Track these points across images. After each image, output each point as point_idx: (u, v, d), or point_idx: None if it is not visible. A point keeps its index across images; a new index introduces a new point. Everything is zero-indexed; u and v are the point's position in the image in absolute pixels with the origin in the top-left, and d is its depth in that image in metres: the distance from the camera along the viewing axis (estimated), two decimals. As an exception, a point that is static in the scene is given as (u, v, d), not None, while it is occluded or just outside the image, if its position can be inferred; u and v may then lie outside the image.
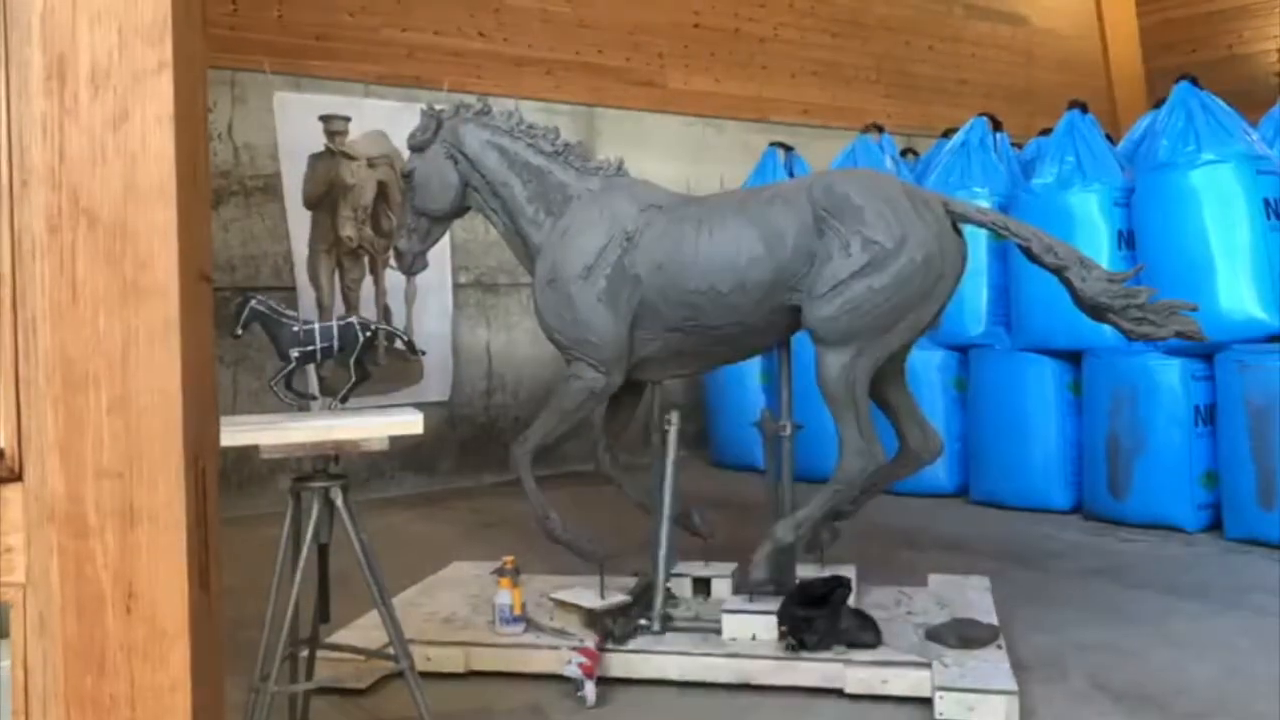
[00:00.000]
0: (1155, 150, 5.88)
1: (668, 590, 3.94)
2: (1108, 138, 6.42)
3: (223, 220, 6.72)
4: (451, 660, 3.70)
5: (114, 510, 1.13)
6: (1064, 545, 5.47)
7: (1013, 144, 7.07)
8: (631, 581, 4.15)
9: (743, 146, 8.77)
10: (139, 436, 1.13)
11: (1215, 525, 5.57)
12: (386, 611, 2.90)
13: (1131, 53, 11.76)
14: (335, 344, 3.21)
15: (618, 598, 3.89)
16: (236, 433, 2.71)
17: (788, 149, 7.78)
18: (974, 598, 4.20)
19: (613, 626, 3.72)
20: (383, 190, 6.91)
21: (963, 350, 6.66)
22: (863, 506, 4.15)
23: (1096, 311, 3.68)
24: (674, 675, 3.61)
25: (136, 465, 1.13)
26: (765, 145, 7.92)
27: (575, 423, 4.10)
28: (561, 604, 3.95)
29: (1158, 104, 6.25)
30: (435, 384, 7.20)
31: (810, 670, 3.53)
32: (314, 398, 4.94)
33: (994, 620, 3.88)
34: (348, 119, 6.81)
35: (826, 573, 4.03)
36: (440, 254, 6.47)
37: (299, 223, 6.68)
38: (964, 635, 3.67)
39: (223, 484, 1.29)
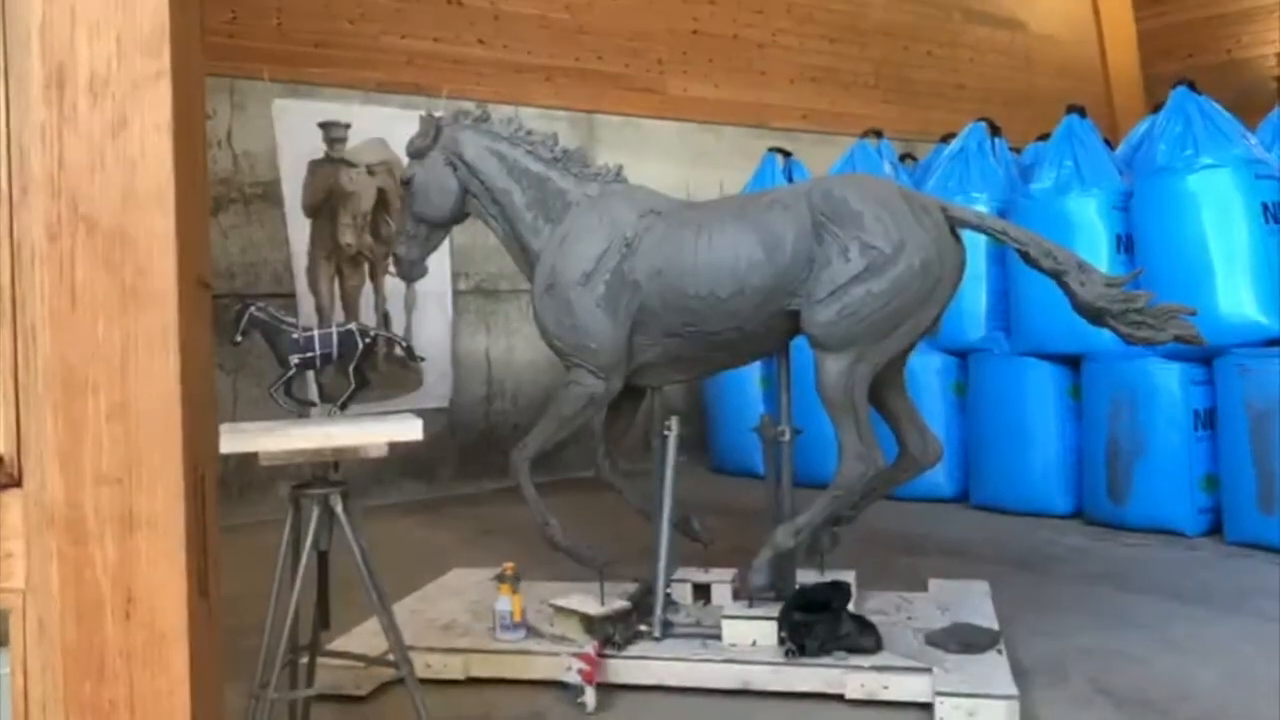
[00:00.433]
0: (1153, 155, 5.89)
1: (668, 596, 3.94)
2: (1106, 142, 6.43)
3: (222, 227, 6.73)
4: (451, 667, 3.70)
5: (113, 516, 1.13)
6: (1064, 550, 5.47)
7: (1011, 149, 7.08)
8: (631, 587, 4.15)
9: (741, 152, 8.78)
10: (138, 443, 1.14)
11: (1216, 529, 5.57)
12: (386, 618, 2.89)
13: (1130, 57, 11.77)
14: (335, 351, 3.21)
15: (618, 604, 3.89)
16: (236, 439, 2.71)
17: (786, 154, 7.79)
18: (974, 603, 4.20)
19: (613, 633, 3.72)
20: (382, 197, 6.91)
21: (962, 355, 6.66)
22: (863, 512, 4.14)
23: (1095, 316, 3.69)
24: (674, 681, 3.60)
25: (136, 471, 1.14)
26: (764, 151, 7.93)
27: (575, 429, 4.10)
28: (561, 610, 3.95)
29: (1156, 109, 6.26)
30: (435, 390, 7.19)
31: (810, 676, 3.53)
32: (314, 404, 4.94)
33: (994, 625, 3.88)
34: (347, 126, 6.81)
35: (827, 578, 4.03)
36: (440, 260, 6.46)
37: (298, 230, 6.68)
38: (964, 640, 3.66)
39: (222, 490, 1.30)
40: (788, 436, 4.05)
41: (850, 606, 3.76)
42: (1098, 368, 5.91)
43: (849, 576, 4.12)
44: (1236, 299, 5.44)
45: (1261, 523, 5.26)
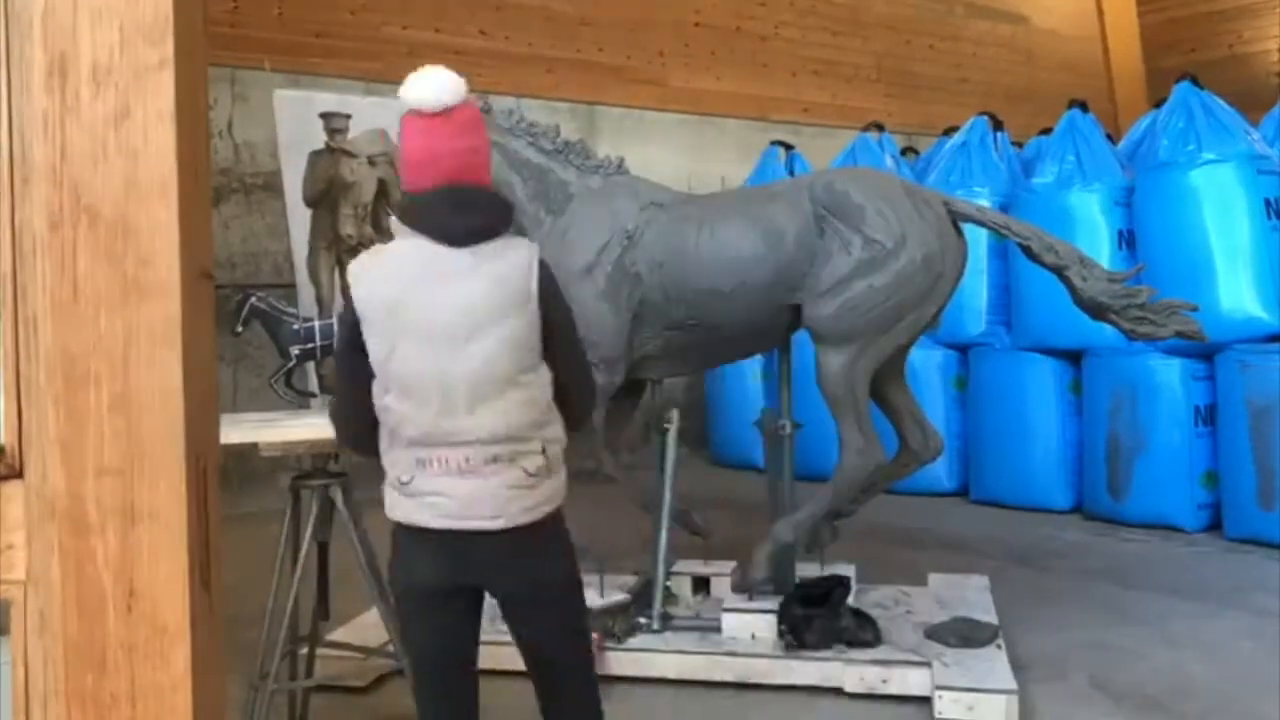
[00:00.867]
0: (1156, 150, 5.88)
1: (667, 589, 3.94)
2: (1108, 137, 6.42)
3: (223, 218, 6.72)
4: (451, 658, 3.70)
5: (115, 508, 1.13)
6: (1064, 545, 5.47)
7: (1013, 143, 7.06)
8: (631, 580, 4.15)
9: (743, 145, 8.76)
10: (140, 434, 1.13)
11: (1215, 525, 5.57)
12: (386, 609, 2.89)
13: (1132, 52, 11.75)
14: (335, 341, 3.20)
15: (617, 596, 3.89)
16: (237, 430, 2.71)
17: (788, 148, 7.78)
18: (974, 597, 4.20)
19: (612, 625, 3.72)
20: (383, 188, 6.86)
21: (963, 349, 6.66)
22: (863, 506, 4.14)
23: (1097, 311, 3.68)
24: (673, 674, 3.61)
25: (137, 463, 1.13)
26: (766, 144, 7.91)
27: (575, 421, 4.09)
28: (561, 602, 3.94)
29: (1158, 104, 6.25)
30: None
31: (810, 669, 3.53)
32: (314, 395, 4.93)
33: (994, 620, 3.88)
34: (348, 116, 6.77)
35: (826, 572, 4.03)
36: (440, 252, 6.44)
37: (299, 220, 6.66)
38: (964, 635, 3.67)
39: (223, 482, 1.29)
40: (788, 430, 4.04)
41: (850, 600, 3.76)
42: (1098, 363, 5.90)
43: (849, 570, 4.12)
44: (1238, 295, 5.43)
45: (1261, 518, 5.26)
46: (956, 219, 3.79)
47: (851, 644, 3.59)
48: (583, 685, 2.23)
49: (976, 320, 6.54)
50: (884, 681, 3.45)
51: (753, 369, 7.41)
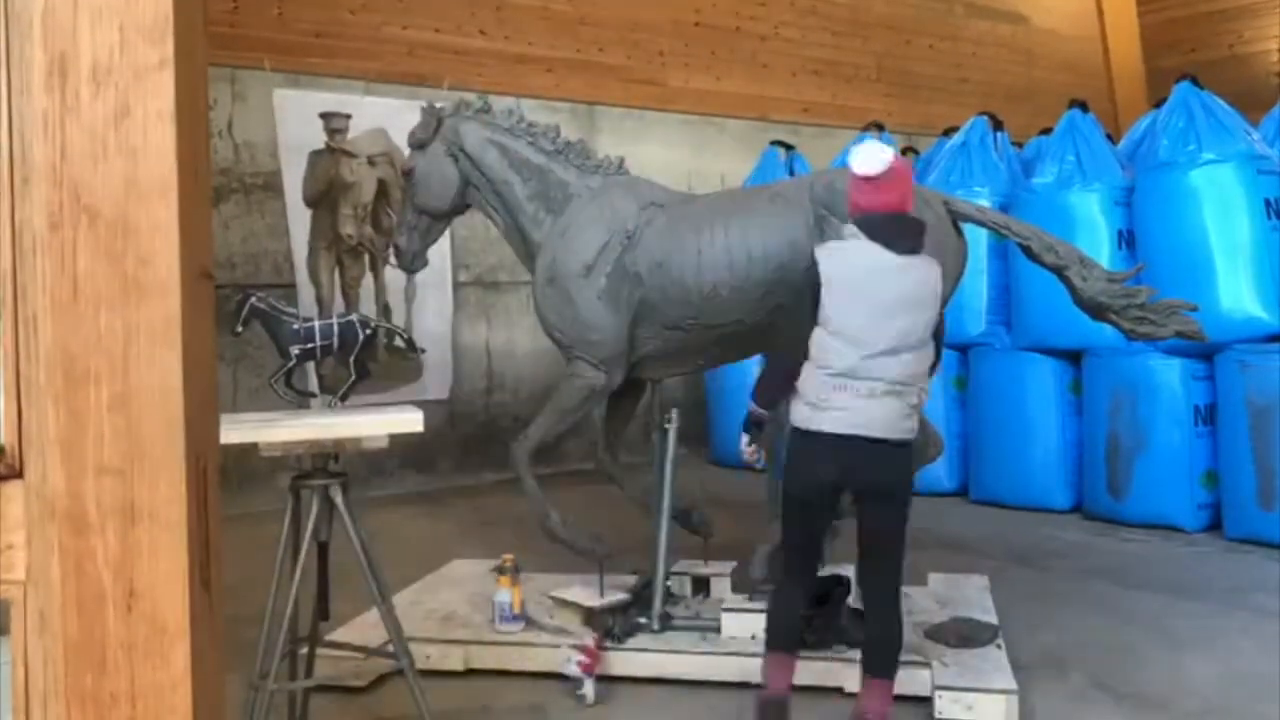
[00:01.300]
0: (1156, 150, 5.88)
1: (667, 589, 3.94)
2: (1108, 137, 6.42)
3: (223, 217, 6.72)
4: (451, 658, 3.71)
5: (115, 508, 1.13)
6: (1064, 545, 5.47)
7: (1013, 143, 7.07)
8: (631, 580, 4.15)
9: (743, 145, 8.76)
10: (140, 434, 1.13)
11: (1215, 525, 5.57)
12: (386, 609, 2.90)
13: (1132, 52, 11.75)
14: (335, 342, 3.20)
15: (617, 596, 3.89)
16: (237, 430, 2.71)
17: (788, 148, 7.78)
18: (974, 597, 4.20)
19: (612, 625, 3.72)
20: (383, 188, 6.90)
21: (963, 349, 6.66)
22: (862, 505, 4.14)
23: (1097, 311, 3.68)
24: (673, 674, 3.61)
25: (137, 462, 1.13)
26: (766, 144, 7.91)
27: (575, 421, 4.10)
28: (561, 602, 3.95)
29: (1158, 104, 6.25)
30: (435, 382, 7.19)
31: (809, 669, 3.53)
32: (314, 395, 4.94)
33: (994, 619, 3.88)
34: (348, 116, 6.80)
35: (826, 572, 4.02)
36: (440, 252, 6.46)
37: (299, 220, 6.67)
38: (963, 634, 3.67)
39: (223, 481, 1.29)
40: (787, 430, 4.04)
41: (850, 600, 3.76)
42: (1098, 363, 5.90)
43: (848, 570, 4.12)
44: (1238, 295, 5.44)
45: (1261, 518, 5.26)
46: (956, 219, 3.79)
47: (851, 644, 3.58)
48: (898, 561, 2.99)
49: (976, 320, 6.55)
50: (884, 681, 3.44)
51: (752, 369, 7.40)
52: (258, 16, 6.94)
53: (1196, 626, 4.12)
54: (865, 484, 2.91)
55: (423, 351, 4.26)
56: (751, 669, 3.55)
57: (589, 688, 3.43)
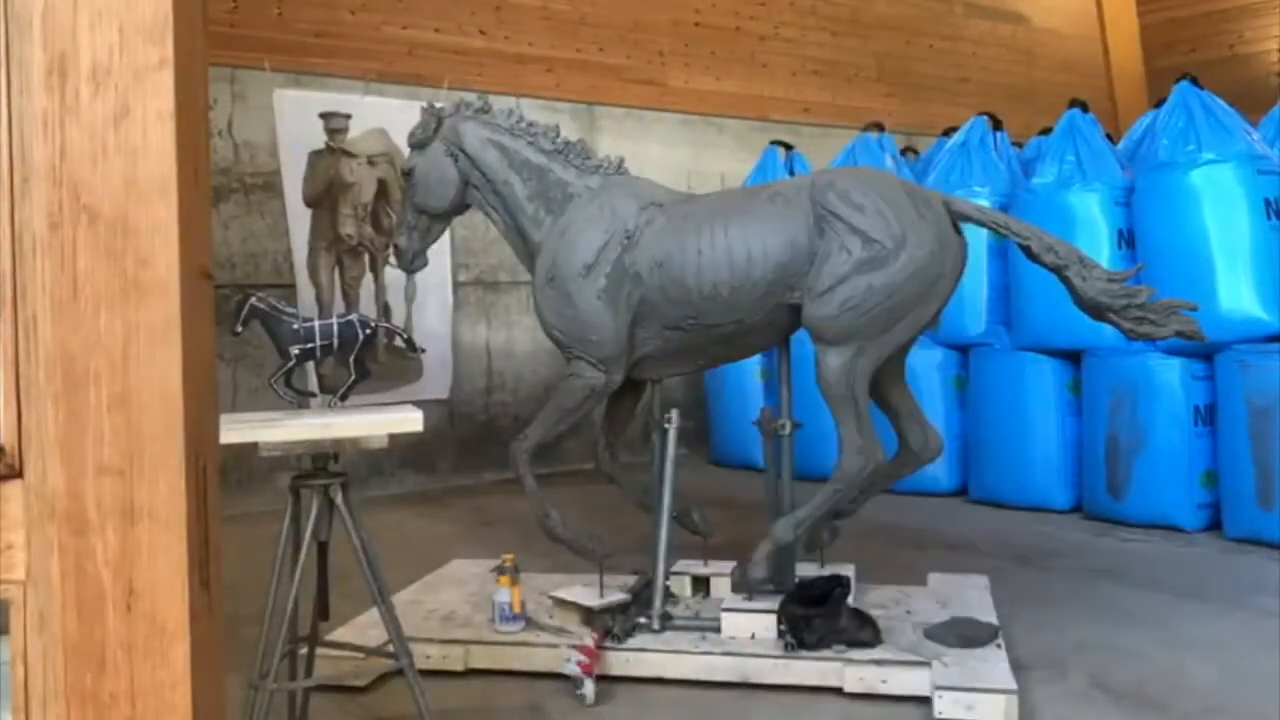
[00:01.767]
0: (1156, 150, 5.88)
1: (667, 588, 3.94)
2: (1108, 137, 6.42)
3: (223, 217, 6.72)
4: (451, 658, 3.70)
5: (114, 507, 1.13)
6: (1064, 544, 5.47)
7: (1013, 143, 7.06)
8: (631, 580, 4.15)
9: (743, 145, 8.76)
10: (140, 433, 1.13)
11: (1215, 525, 5.57)
12: (386, 609, 2.90)
13: (1132, 52, 11.75)
14: (335, 341, 3.20)
15: (617, 596, 3.89)
16: (236, 430, 2.71)
17: (788, 147, 7.78)
18: (973, 597, 4.20)
19: (612, 625, 3.72)
20: (383, 188, 6.89)
21: (963, 349, 6.66)
22: (862, 505, 4.14)
23: (1096, 311, 3.68)
24: (673, 674, 3.61)
25: (137, 462, 1.13)
26: (765, 144, 7.91)
27: (575, 421, 4.10)
28: (561, 602, 3.95)
29: (1158, 103, 6.25)
30: (435, 382, 7.18)
31: (809, 669, 3.53)
32: (314, 395, 4.94)
33: (993, 619, 3.88)
34: (348, 116, 6.79)
35: (826, 571, 4.03)
36: (440, 252, 6.45)
37: (299, 220, 6.66)
38: (963, 634, 3.66)
39: (222, 481, 1.29)
40: (788, 430, 4.04)
41: (849, 600, 3.76)
42: (1098, 363, 5.90)
43: (848, 570, 4.12)
44: (1238, 295, 5.43)
45: (1261, 518, 5.26)
46: (956, 219, 3.79)
47: (851, 644, 3.59)
48: None
49: (976, 320, 6.55)
50: (883, 681, 3.45)
51: (753, 369, 7.42)
52: (258, 16, 6.94)
53: (1196, 626, 4.12)
54: None
55: (423, 351, 4.26)
56: (751, 669, 3.57)
57: (589, 688, 3.43)
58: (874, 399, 3.90)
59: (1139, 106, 9.46)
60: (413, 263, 4.25)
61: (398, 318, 6.94)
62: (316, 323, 3.23)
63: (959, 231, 3.79)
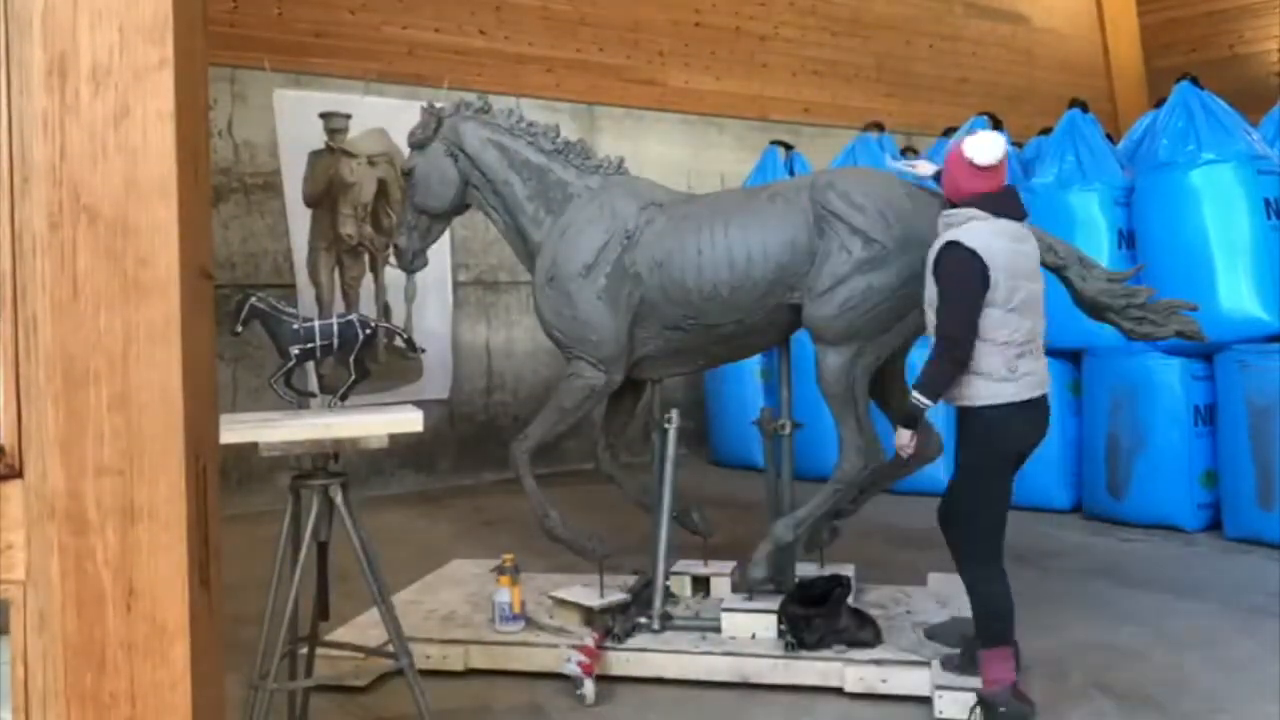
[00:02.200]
0: (1156, 150, 5.88)
1: (667, 588, 3.94)
2: (1108, 137, 6.42)
3: (223, 218, 6.72)
4: (451, 658, 3.71)
5: (114, 507, 1.13)
6: (1063, 545, 5.47)
7: (1013, 143, 7.05)
8: (631, 580, 4.15)
9: (743, 145, 8.76)
10: (140, 433, 1.13)
11: (1215, 525, 5.57)
12: (386, 609, 2.90)
13: (1132, 52, 11.75)
14: (335, 341, 3.20)
15: (617, 596, 3.89)
16: (236, 430, 2.71)
17: (788, 147, 7.78)
18: (973, 597, 4.19)
19: (612, 625, 3.72)
20: (383, 188, 6.88)
21: (963, 349, 6.64)
22: (862, 505, 4.15)
23: (1096, 311, 3.69)
24: (673, 674, 3.61)
25: (137, 462, 1.13)
26: (765, 144, 7.91)
27: (575, 421, 4.10)
28: (561, 602, 3.95)
29: (1158, 104, 6.25)
30: (435, 382, 7.17)
31: (809, 669, 3.53)
32: (314, 395, 4.93)
33: (993, 619, 3.87)
34: (348, 116, 6.78)
35: (826, 572, 4.03)
36: (440, 252, 6.44)
37: (299, 220, 6.66)
38: (964, 634, 3.66)
39: (222, 481, 1.29)
40: (788, 430, 4.04)
41: (850, 600, 3.76)
42: (1098, 363, 5.90)
43: (848, 570, 4.12)
44: (1238, 295, 5.43)
45: (1260, 518, 5.26)
46: (956, 219, 3.78)
47: (851, 644, 3.59)
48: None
49: (976, 320, 6.53)
50: (883, 681, 3.45)
51: (753, 369, 7.41)
52: (258, 16, 6.94)
53: (1196, 626, 4.12)
54: (1039, 438, 3.33)
55: (422, 351, 4.26)
56: (751, 669, 3.57)
57: (589, 687, 3.43)
58: (874, 399, 3.90)
59: (1139, 106, 9.46)
60: (413, 263, 4.25)
61: (398, 318, 6.93)
62: (316, 323, 3.23)
63: (959, 231, 3.78)
